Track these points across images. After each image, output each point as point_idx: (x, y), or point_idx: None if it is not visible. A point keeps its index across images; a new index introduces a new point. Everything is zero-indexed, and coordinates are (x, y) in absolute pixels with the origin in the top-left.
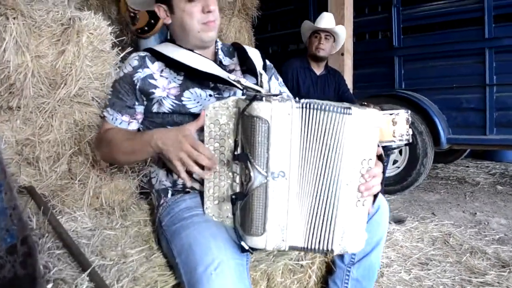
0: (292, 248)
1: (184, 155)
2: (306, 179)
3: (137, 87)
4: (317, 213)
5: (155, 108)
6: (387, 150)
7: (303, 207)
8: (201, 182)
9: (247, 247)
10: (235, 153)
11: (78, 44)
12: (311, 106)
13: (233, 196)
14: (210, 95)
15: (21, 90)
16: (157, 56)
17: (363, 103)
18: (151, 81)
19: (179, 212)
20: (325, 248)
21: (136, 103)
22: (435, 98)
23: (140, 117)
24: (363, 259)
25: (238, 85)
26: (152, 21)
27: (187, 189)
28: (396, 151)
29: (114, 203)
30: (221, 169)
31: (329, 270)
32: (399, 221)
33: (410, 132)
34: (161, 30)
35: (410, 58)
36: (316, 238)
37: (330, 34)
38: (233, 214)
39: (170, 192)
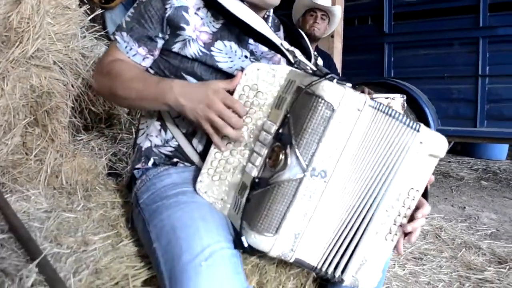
0: (298, 262)
1: (215, 116)
2: (345, 189)
3: (167, 15)
4: (342, 232)
5: (176, 48)
6: None
7: (330, 220)
8: (202, 154)
9: (246, 244)
10: (279, 131)
11: None
12: (383, 109)
13: (256, 180)
14: (246, 57)
15: None
16: None
17: (357, 85)
18: (185, 14)
19: (162, 188)
20: (336, 275)
21: (160, 35)
22: (425, 88)
23: (157, 53)
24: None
25: (290, 56)
26: None
27: (175, 159)
28: None
29: (76, 183)
30: (237, 143)
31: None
32: None
33: None
34: (128, 1)
35: (400, 45)
36: (329, 260)
37: (326, 13)
38: (247, 200)
39: (152, 160)
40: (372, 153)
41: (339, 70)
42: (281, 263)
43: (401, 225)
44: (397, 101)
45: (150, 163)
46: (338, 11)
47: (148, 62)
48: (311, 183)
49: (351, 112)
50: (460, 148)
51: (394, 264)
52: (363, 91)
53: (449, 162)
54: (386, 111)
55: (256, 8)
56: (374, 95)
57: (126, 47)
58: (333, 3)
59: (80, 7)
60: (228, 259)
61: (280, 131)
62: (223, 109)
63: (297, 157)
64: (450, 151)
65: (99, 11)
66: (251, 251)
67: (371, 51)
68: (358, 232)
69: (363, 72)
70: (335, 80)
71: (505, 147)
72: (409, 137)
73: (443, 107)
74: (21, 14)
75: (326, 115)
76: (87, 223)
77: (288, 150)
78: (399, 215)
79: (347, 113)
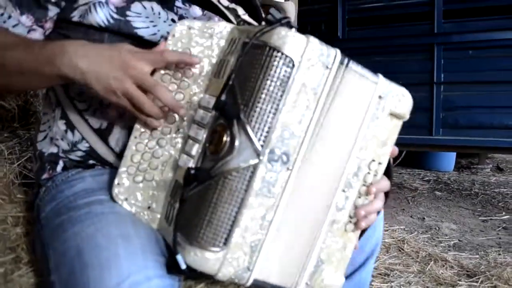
0: (257, 283)
1: (134, 88)
2: (315, 176)
3: None
4: (310, 236)
5: (76, 16)
6: None
7: (297, 224)
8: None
9: (183, 266)
10: (221, 98)
11: None
12: (359, 71)
13: (192, 172)
14: (173, 20)
15: None
16: None
17: None
18: None
19: (71, 197)
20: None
21: (49, 3)
22: None
23: (49, 26)
24: (354, 274)
25: (231, 16)
26: None
27: (91, 161)
28: None
29: None
30: (166, 128)
31: None
32: None
33: None
34: None
35: (355, 52)
36: (296, 275)
37: (278, 10)
38: (181, 201)
39: (61, 164)
40: (343, 123)
41: None
42: None
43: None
44: None
45: (58, 168)
46: (291, 7)
47: (35, 35)
48: (269, 171)
49: (318, 69)
50: (409, 159)
51: None
52: None
53: (401, 173)
54: (361, 71)
55: None
56: None
57: (2, 14)
58: None
59: None
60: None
61: (222, 102)
62: (144, 78)
63: (248, 136)
64: (401, 163)
65: None
66: (192, 274)
67: None
68: (324, 229)
69: None
70: (293, 29)
71: (453, 158)
72: (368, 91)
73: None
74: None
75: (285, 74)
76: None
77: (234, 127)
78: (359, 197)
79: (313, 69)
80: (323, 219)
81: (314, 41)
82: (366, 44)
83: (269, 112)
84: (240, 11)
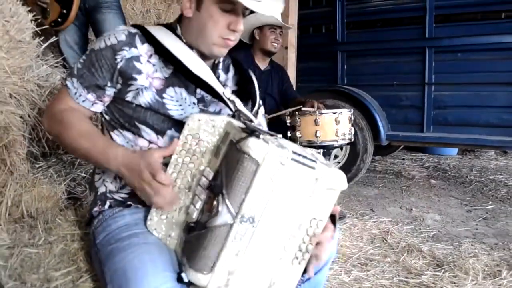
0: None
1: (147, 185)
2: (269, 231)
3: (118, 67)
4: (265, 266)
5: (129, 97)
6: (329, 149)
7: (257, 259)
8: None
9: (186, 280)
10: (211, 182)
11: None
12: (303, 161)
13: (192, 224)
14: (195, 103)
15: None
16: (149, 37)
17: (308, 100)
18: (137, 64)
19: (117, 230)
20: None
21: (109, 84)
22: (376, 95)
23: (107, 100)
24: (314, 276)
25: (231, 105)
26: (64, 11)
27: (129, 202)
28: None
29: (37, 212)
30: (182, 185)
31: None
32: (339, 218)
33: (353, 131)
34: (80, 20)
35: (353, 53)
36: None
37: (282, 30)
38: (186, 241)
39: (108, 203)
40: (289, 197)
41: (293, 80)
42: None
43: (307, 251)
44: (345, 115)
45: (106, 206)
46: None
47: (97, 108)
48: (240, 228)
49: (274, 166)
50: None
51: (341, 271)
52: (312, 106)
53: (403, 159)
54: (304, 161)
55: (204, 56)
56: (323, 110)
57: (75, 93)
58: (286, 12)
59: (34, 38)
60: None
61: (213, 181)
62: (150, 181)
63: (227, 206)
64: (405, 148)
65: (53, 39)
66: (191, 285)
67: (325, 59)
68: (267, 261)
69: (317, 79)
70: (262, 137)
71: None
72: (311, 177)
73: (393, 113)
74: None
75: (252, 169)
76: (49, 258)
77: (219, 199)
78: (303, 242)
79: (271, 167)
80: (276, 255)
81: (272, 147)
82: (363, 47)
83: (242, 192)
84: (237, 102)
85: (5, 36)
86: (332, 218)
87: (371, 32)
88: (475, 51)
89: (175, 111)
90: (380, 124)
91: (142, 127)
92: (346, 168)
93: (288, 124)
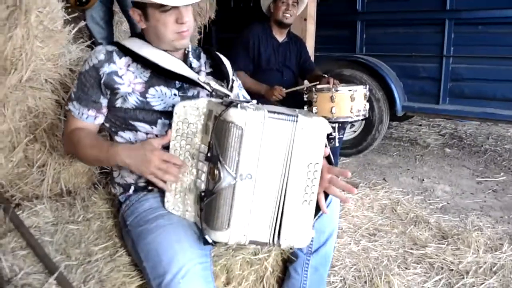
0: (252, 242)
1: (156, 169)
2: (266, 180)
3: (102, 81)
4: (271, 211)
5: (118, 103)
6: (344, 124)
7: (262, 206)
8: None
9: (210, 241)
10: (208, 154)
11: (27, 25)
12: (279, 116)
13: (202, 193)
14: (175, 94)
15: None
16: (125, 51)
17: (324, 75)
18: (116, 78)
19: (144, 213)
20: (275, 243)
21: (101, 97)
22: (394, 65)
23: (105, 111)
24: (320, 248)
25: (207, 87)
26: None
27: (150, 187)
28: None
29: (73, 186)
30: (186, 166)
31: (286, 260)
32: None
33: (367, 107)
34: None
35: (372, 23)
36: (267, 233)
37: (296, 0)
38: (200, 209)
39: (132, 188)
40: (274, 148)
41: (311, 51)
42: (244, 262)
43: (313, 192)
44: (360, 92)
45: (131, 191)
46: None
47: (99, 120)
48: (243, 185)
49: (256, 126)
50: None
51: (351, 241)
52: (328, 82)
53: (420, 125)
54: (280, 117)
55: (172, 51)
56: (339, 88)
57: (78, 113)
58: None
59: (65, 27)
60: (200, 274)
61: (209, 154)
62: (160, 165)
63: (226, 170)
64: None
65: (81, 24)
66: (216, 243)
67: (344, 28)
68: (279, 207)
69: (336, 48)
70: (239, 106)
71: None
72: (292, 128)
73: (409, 84)
74: (14, 44)
75: (239, 134)
76: (88, 233)
77: (218, 167)
78: (307, 186)
79: (253, 127)
80: (277, 199)
81: (250, 111)
82: (383, 17)
83: (235, 155)
84: (212, 83)
85: (39, 26)
86: (328, 159)
87: (391, 2)
88: (495, 24)
89: (158, 106)
90: (396, 95)
91: (136, 123)
92: (362, 137)
93: (305, 99)
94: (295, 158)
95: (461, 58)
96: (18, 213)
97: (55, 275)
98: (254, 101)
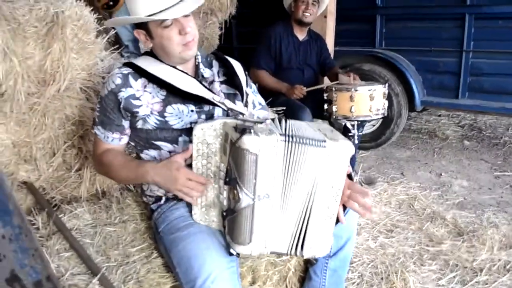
0: (274, 253)
1: (183, 187)
2: (287, 197)
3: (122, 105)
4: (293, 225)
5: (139, 125)
6: (363, 122)
7: (283, 220)
8: None
9: (235, 253)
10: (227, 179)
11: (63, 39)
12: (293, 140)
13: (224, 213)
14: (192, 110)
15: (12, 95)
16: (140, 72)
17: (345, 71)
18: (134, 101)
19: (175, 221)
20: (298, 254)
21: (123, 120)
22: (413, 59)
23: (129, 131)
24: (338, 252)
25: (223, 107)
26: None
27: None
28: None
29: (108, 187)
30: (210, 184)
31: (307, 262)
32: (370, 183)
33: (386, 105)
34: None
35: (392, 17)
36: (288, 245)
37: None
38: (223, 226)
39: (163, 199)
40: (296, 170)
41: (331, 47)
42: (269, 263)
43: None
44: (379, 91)
45: (162, 201)
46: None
47: (124, 141)
48: (261, 204)
49: (269, 150)
50: None
51: (368, 237)
52: (349, 76)
53: (439, 116)
54: (296, 140)
55: (184, 63)
56: (358, 87)
57: (104, 137)
58: None
59: (97, 37)
60: (227, 279)
61: (228, 178)
62: (185, 183)
63: (245, 192)
64: None
65: (112, 32)
66: (240, 255)
67: (364, 22)
68: (303, 222)
69: (355, 42)
70: (253, 132)
71: None
72: (319, 153)
73: (429, 79)
74: (52, 58)
75: (254, 159)
76: (124, 235)
77: (238, 188)
78: (331, 204)
79: (266, 152)
80: (300, 215)
81: (263, 137)
82: (403, 11)
83: (252, 178)
84: (227, 102)
85: (74, 38)
86: (349, 175)
87: None
88: None
89: (177, 124)
90: (415, 90)
91: (158, 143)
92: (380, 131)
93: (325, 97)
94: (321, 180)
95: (481, 53)
96: (59, 216)
97: (98, 276)
98: (269, 121)
